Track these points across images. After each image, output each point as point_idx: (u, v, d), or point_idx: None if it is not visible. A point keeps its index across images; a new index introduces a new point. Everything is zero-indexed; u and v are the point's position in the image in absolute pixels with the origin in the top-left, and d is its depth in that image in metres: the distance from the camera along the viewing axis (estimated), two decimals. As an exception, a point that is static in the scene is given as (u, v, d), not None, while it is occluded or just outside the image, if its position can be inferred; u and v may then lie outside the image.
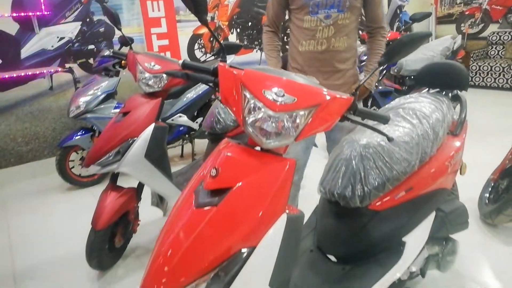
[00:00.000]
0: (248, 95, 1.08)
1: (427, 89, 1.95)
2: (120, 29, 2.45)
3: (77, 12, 3.96)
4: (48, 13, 3.76)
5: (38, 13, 3.69)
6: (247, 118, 1.09)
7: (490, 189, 2.61)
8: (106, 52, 3.33)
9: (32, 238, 2.79)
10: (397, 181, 1.47)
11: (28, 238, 2.79)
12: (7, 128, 3.77)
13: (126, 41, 2.84)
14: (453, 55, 4.21)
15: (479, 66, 6.40)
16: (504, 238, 2.39)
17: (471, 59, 6.57)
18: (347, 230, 1.54)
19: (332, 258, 1.59)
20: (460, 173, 1.87)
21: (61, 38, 3.90)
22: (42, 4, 3.69)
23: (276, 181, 1.07)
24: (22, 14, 3.61)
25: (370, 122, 1.42)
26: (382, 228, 1.50)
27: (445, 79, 1.82)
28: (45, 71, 3.77)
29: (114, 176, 2.32)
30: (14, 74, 3.57)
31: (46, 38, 3.82)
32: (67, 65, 3.95)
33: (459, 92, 1.83)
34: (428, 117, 1.61)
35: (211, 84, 1.43)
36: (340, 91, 1.96)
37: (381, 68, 2.02)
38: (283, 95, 1.06)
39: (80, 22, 4.01)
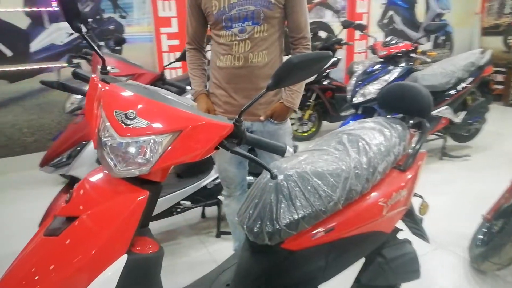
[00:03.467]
0: (102, 113, 0.97)
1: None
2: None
3: (88, 8, 4.03)
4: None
5: (49, 9, 3.79)
6: (99, 140, 0.97)
7: (484, 229, 2.28)
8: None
9: (12, 228, 2.84)
10: (315, 220, 1.28)
11: (7, 228, 2.86)
12: (14, 118, 3.92)
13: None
14: (478, 71, 3.79)
15: (524, 84, 5.78)
16: (490, 289, 2.07)
17: (515, 75, 5.95)
18: (258, 269, 1.37)
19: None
20: (420, 214, 1.63)
21: (71, 34, 3.99)
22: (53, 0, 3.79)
23: (120, 216, 0.94)
24: (34, 9, 3.73)
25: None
26: (295, 271, 1.31)
27: (405, 104, 1.58)
28: (52, 66, 3.87)
29: (73, 179, 2.29)
30: (23, 67, 3.69)
31: (55, 33, 3.92)
32: (75, 61, 4.02)
33: (422, 119, 1.58)
34: (370, 148, 1.39)
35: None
36: (262, 111, 1.81)
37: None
38: (134, 118, 0.93)
39: (91, 19, 4.08)
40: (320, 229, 1.29)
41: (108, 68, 2.12)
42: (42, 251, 0.95)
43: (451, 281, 2.16)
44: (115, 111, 0.94)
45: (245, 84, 1.76)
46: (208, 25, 1.80)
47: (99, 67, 2.25)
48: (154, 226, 2.69)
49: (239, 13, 1.63)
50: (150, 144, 0.93)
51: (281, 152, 1.10)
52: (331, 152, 1.42)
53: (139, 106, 0.95)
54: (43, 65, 3.78)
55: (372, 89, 3.42)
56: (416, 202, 1.66)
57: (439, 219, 2.75)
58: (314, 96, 4.58)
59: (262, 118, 1.82)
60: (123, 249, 0.93)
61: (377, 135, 1.47)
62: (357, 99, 3.48)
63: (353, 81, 3.62)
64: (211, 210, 2.89)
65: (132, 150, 0.93)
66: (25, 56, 3.82)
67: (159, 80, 2.49)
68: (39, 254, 0.95)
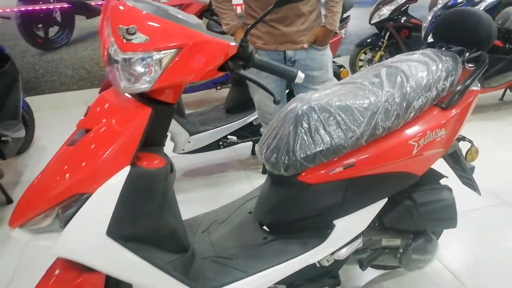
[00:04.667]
0: (108, 28, 0.98)
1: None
2: None
3: None
4: None
5: None
6: (107, 56, 0.99)
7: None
8: None
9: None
10: (334, 154, 1.22)
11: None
12: (92, 53, 4.24)
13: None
14: None
15: None
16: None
17: None
18: (275, 198, 1.37)
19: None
20: (467, 160, 1.47)
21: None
22: None
23: (123, 130, 0.99)
24: None
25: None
26: (310, 204, 1.29)
27: (463, 34, 1.36)
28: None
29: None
30: (100, 2, 3.90)
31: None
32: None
33: (482, 52, 1.36)
34: (407, 82, 1.26)
35: None
36: (304, 38, 1.71)
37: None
38: (134, 33, 0.93)
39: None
40: (339, 164, 1.23)
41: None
42: (60, 159, 1.05)
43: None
44: (118, 26, 0.95)
45: (287, 11, 1.68)
46: None
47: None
48: (207, 158, 2.83)
49: None
50: (150, 60, 0.93)
51: (291, 77, 1.04)
52: (364, 86, 1.31)
53: (142, 22, 0.95)
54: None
55: (450, 26, 3.01)
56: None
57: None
58: (387, 35, 4.20)
59: (306, 45, 1.79)
60: (127, 161, 0.98)
61: (420, 68, 1.30)
62: (431, 38, 3.10)
63: (429, 17, 3.21)
64: (261, 147, 2.93)
65: (134, 66, 0.94)
66: (100, -8, 4.01)
67: (207, 11, 2.46)
68: (58, 161, 1.05)
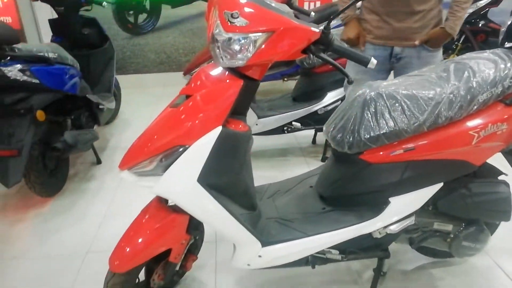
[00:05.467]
0: (215, 13, 1.20)
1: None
2: None
3: None
4: None
5: None
6: (212, 36, 1.21)
7: None
8: None
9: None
10: (396, 137, 1.35)
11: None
12: (173, 40, 4.61)
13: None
14: None
15: None
16: None
17: None
18: (337, 174, 1.53)
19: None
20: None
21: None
22: None
23: (219, 97, 1.20)
24: None
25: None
26: (369, 181, 1.43)
27: (535, 35, 1.41)
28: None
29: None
30: (182, -6, 4.25)
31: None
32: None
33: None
34: (474, 77, 1.34)
35: None
36: (416, 35, 1.76)
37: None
38: (237, 17, 1.13)
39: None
40: (399, 147, 1.36)
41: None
42: (165, 118, 1.29)
43: None
44: (224, 11, 1.16)
45: (401, 7, 1.75)
46: None
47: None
48: (270, 142, 3.03)
49: None
50: (247, 40, 1.13)
51: (365, 63, 1.18)
52: (431, 78, 1.41)
53: (243, 8, 1.15)
54: (198, -7, 4.26)
55: (532, 32, 2.91)
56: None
57: None
58: (462, 38, 4.10)
59: (417, 42, 1.81)
60: (219, 122, 1.20)
61: (488, 66, 1.39)
62: (509, 43, 3.02)
63: (509, 21, 3.11)
64: (322, 138, 3.06)
65: (234, 44, 1.14)
66: (185, -16, 4.36)
67: (287, 4, 2.65)
68: (163, 119, 1.29)
